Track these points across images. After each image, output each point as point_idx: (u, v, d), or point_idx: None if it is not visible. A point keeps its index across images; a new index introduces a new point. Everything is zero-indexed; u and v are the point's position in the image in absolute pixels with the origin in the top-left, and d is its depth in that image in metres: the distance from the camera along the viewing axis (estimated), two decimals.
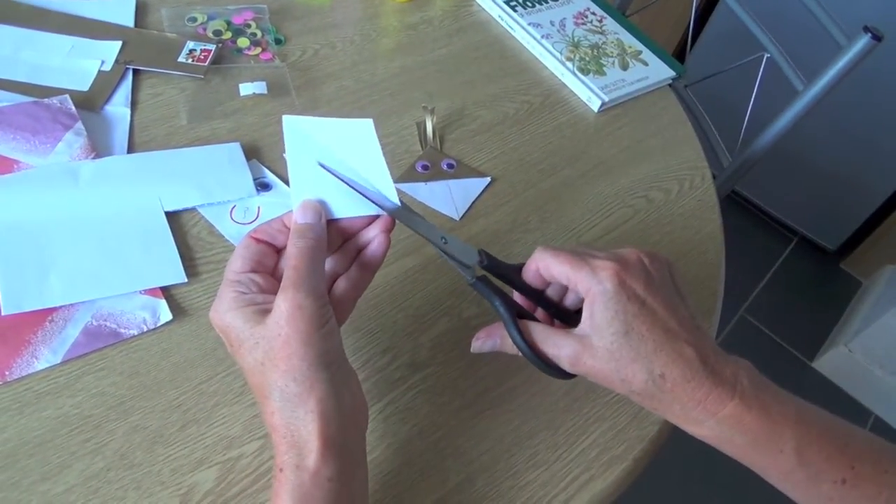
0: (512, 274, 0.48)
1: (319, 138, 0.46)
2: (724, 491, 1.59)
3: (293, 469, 0.38)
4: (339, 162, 0.46)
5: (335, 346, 0.42)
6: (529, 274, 0.47)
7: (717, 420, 0.43)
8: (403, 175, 0.68)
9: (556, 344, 0.44)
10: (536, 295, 0.48)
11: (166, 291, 0.54)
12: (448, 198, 0.67)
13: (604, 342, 0.44)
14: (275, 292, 0.41)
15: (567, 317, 0.47)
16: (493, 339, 0.48)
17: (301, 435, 0.39)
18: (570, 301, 0.49)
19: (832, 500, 0.43)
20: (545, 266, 0.46)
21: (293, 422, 0.39)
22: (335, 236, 0.46)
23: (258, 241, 0.44)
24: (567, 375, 0.45)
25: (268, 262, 0.44)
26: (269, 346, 0.39)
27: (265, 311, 0.41)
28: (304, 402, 0.39)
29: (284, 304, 0.40)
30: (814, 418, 0.44)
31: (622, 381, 0.43)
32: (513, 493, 0.50)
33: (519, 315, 0.46)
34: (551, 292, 0.49)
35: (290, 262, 0.42)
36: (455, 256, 0.47)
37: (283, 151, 0.66)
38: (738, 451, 0.44)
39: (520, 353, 0.45)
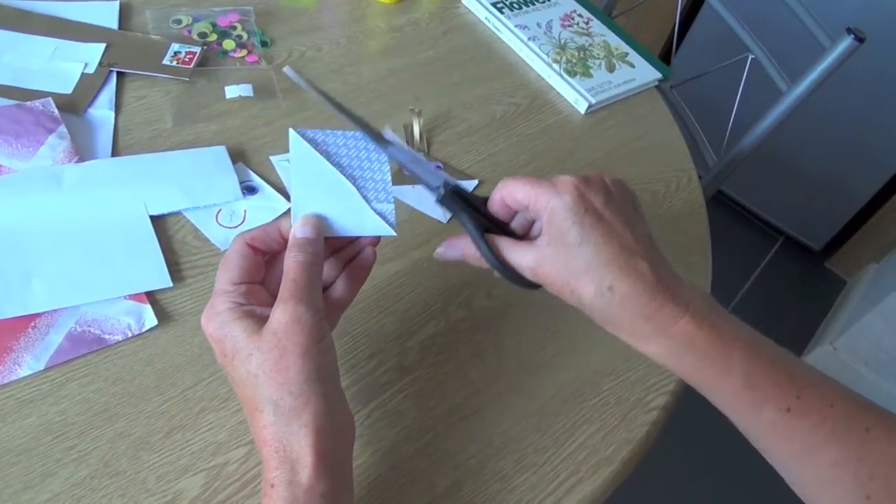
0: (478, 206, 0.48)
1: (327, 149, 0.46)
2: (714, 491, 1.60)
3: (286, 485, 0.37)
4: (344, 171, 0.46)
5: (331, 360, 0.41)
6: (495, 204, 0.48)
7: (667, 337, 0.43)
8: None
9: (518, 253, 0.45)
10: (503, 228, 0.49)
11: (151, 296, 0.53)
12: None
13: (560, 252, 0.44)
14: (267, 303, 0.41)
15: None
16: (456, 249, 0.48)
17: (294, 450, 0.38)
18: (535, 232, 0.48)
19: (775, 426, 0.43)
20: (509, 192, 0.46)
21: (287, 436, 0.38)
22: (325, 248, 0.46)
23: (254, 249, 0.43)
24: (532, 285, 0.46)
25: (261, 271, 0.44)
26: (265, 358, 0.39)
27: (261, 322, 0.40)
28: (299, 416, 0.38)
29: (283, 316, 0.39)
30: (764, 345, 0.45)
31: (572, 292, 0.44)
32: (501, 496, 0.50)
33: (486, 230, 0.47)
34: (516, 225, 0.49)
35: (290, 275, 0.41)
36: (421, 178, 0.47)
37: (270, 154, 0.65)
38: (687, 370, 0.44)
39: (486, 266, 0.46)
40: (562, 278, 0.44)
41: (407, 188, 0.67)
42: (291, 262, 0.42)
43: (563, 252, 0.44)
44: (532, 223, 0.48)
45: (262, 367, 0.39)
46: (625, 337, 0.45)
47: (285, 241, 0.44)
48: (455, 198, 0.48)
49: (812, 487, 0.44)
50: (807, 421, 0.42)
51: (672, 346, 0.44)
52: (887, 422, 0.43)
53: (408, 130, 0.73)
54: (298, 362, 0.39)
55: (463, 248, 0.48)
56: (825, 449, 0.42)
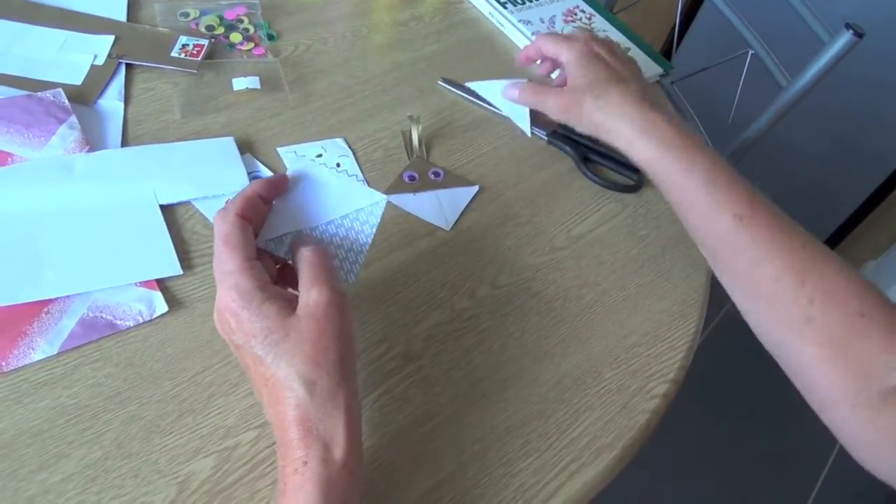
0: (578, 139, 0.78)
1: (325, 181, 0.50)
2: (712, 479, 1.61)
3: (320, 462, 0.38)
4: (333, 206, 0.50)
5: (353, 345, 0.44)
6: (532, 50, 0.73)
7: (648, 139, 0.57)
8: (391, 187, 0.68)
9: (544, 96, 0.69)
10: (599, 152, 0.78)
11: (162, 283, 0.54)
12: (438, 208, 0.67)
13: (574, 82, 0.65)
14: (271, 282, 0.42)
15: None
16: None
17: (327, 429, 0.39)
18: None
19: (729, 235, 0.50)
20: (542, 45, 0.70)
21: (321, 415, 0.39)
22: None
23: (246, 220, 0.44)
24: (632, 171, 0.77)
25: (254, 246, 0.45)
26: (303, 339, 0.40)
27: (289, 302, 0.41)
28: (335, 397, 0.40)
29: (321, 298, 0.41)
30: (721, 158, 0.56)
31: (578, 105, 0.63)
32: (505, 480, 0.51)
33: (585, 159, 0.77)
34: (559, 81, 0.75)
35: (313, 263, 0.43)
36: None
37: (277, 145, 0.66)
38: (661, 168, 0.57)
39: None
40: (574, 99, 0.63)
41: (408, 196, 0.67)
42: (310, 253, 0.44)
43: (576, 82, 0.64)
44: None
45: (299, 347, 0.39)
46: (617, 142, 0.61)
47: (266, 202, 0.47)
48: (557, 136, 0.77)
49: (759, 306, 0.48)
50: (755, 231, 0.48)
51: (652, 146, 0.57)
52: (817, 241, 0.48)
53: (406, 137, 0.73)
54: (335, 344, 0.40)
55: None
56: (770, 262, 0.47)
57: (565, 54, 0.66)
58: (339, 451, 0.39)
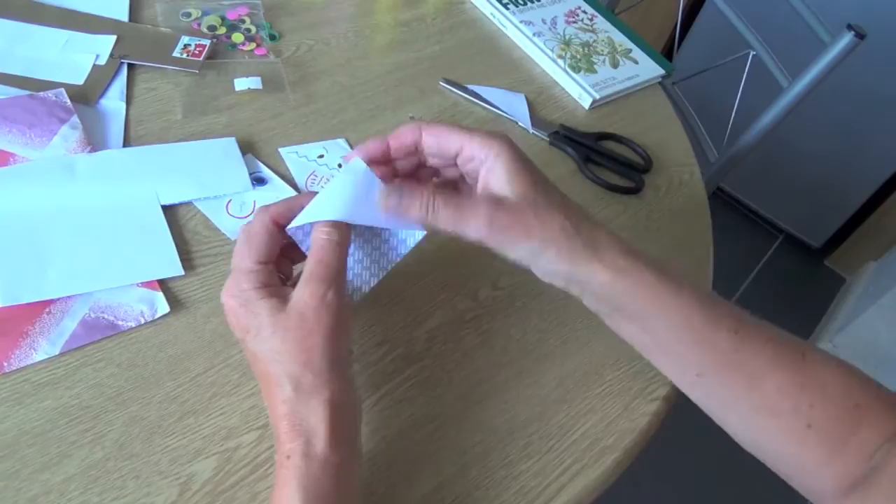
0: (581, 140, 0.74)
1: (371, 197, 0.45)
2: (713, 482, 1.61)
3: (302, 456, 0.39)
4: (368, 218, 0.46)
5: (349, 343, 0.44)
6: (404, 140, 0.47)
7: (612, 265, 0.43)
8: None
9: (472, 212, 0.43)
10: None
11: (163, 284, 0.54)
12: None
13: (517, 191, 0.43)
14: (286, 275, 0.43)
15: None
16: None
17: (310, 424, 0.40)
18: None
19: (725, 353, 0.43)
20: (443, 137, 0.46)
21: (304, 411, 0.40)
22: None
23: (277, 225, 0.44)
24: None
25: (279, 247, 0.45)
26: (290, 336, 0.40)
27: (284, 299, 0.41)
28: (319, 393, 0.40)
29: (312, 299, 0.41)
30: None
31: (541, 225, 0.43)
32: (506, 482, 0.51)
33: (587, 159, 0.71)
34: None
35: (317, 255, 0.42)
36: None
37: (278, 146, 0.66)
38: (642, 292, 0.44)
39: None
40: (526, 214, 0.43)
41: None
42: (323, 241, 0.42)
43: (520, 190, 0.44)
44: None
45: (285, 344, 0.40)
46: (582, 263, 0.44)
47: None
48: (559, 137, 0.76)
49: (758, 422, 0.44)
50: (752, 345, 0.43)
51: (628, 262, 0.44)
52: (816, 349, 0.44)
53: None
54: (322, 344, 0.40)
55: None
56: (769, 375, 0.43)
57: (493, 149, 0.45)
58: (320, 446, 0.39)
